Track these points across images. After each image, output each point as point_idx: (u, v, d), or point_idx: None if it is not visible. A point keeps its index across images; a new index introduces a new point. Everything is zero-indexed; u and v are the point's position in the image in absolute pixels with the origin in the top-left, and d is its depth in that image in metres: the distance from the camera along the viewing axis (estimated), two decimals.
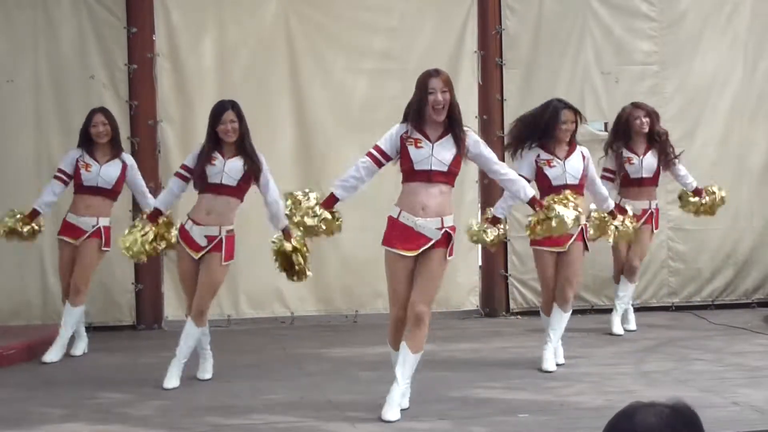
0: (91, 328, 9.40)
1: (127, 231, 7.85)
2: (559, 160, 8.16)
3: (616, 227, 8.56)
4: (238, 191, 7.74)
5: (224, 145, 7.74)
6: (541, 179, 8.19)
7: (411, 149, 6.66)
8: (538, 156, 8.18)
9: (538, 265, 8.35)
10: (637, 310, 10.12)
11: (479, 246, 10.81)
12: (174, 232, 7.91)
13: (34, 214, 8.77)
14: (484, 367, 8.30)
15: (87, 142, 8.88)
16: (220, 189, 7.68)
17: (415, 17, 10.73)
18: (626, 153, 9.52)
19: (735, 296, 11.20)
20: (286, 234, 7.72)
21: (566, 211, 6.98)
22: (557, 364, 8.16)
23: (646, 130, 9.51)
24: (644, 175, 9.52)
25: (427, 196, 6.63)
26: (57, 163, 9.99)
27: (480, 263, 10.94)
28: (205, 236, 7.67)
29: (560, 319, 8.21)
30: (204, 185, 7.71)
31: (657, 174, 9.59)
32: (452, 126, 6.71)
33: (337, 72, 10.65)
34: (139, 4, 10.31)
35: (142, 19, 10.32)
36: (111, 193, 8.88)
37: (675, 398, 2.53)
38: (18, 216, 8.72)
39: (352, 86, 10.68)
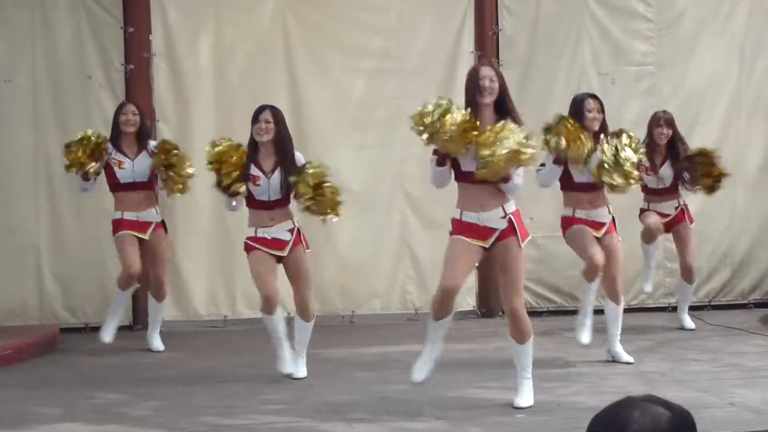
0: (88, 328, 9.40)
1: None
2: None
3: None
4: (286, 201, 7.85)
5: (261, 149, 7.79)
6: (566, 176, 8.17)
7: None
8: None
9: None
10: (633, 310, 10.12)
11: None
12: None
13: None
14: (481, 367, 8.30)
15: (115, 134, 8.98)
16: (270, 204, 7.79)
17: (413, 17, 10.73)
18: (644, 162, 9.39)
19: (732, 297, 11.20)
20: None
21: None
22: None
23: (664, 141, 9.44)
24: (660, 186, 9.44)
25: (481, 194, 6.69)
26: (55, 163, 10.00)
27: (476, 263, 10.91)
28: (287, 230, 7.80)
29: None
30: (254, 203, 7.84)
31: (676, 184, 9.48)
32: (502, 116, 6.73)
33: (335, 72, 10.64)
34: (136, 4, 10.30)
35: (139, 19, 10.31)
36: (149, 185, 9.01)
37: (677, 404, 2.45)
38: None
39: (350, 86, 10.67)
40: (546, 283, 10.70)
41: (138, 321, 10.33)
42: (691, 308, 10.93)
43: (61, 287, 10.16)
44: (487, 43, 10.78)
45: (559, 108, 10.61)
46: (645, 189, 9.49)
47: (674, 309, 10.82)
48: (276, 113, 7.89)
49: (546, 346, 8.72)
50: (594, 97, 8.38)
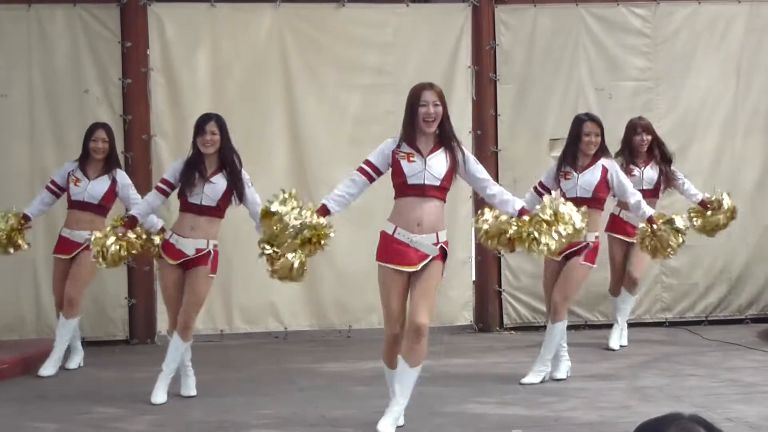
0: (84, 343, 9.38)
1: (99, 235, 7.72)
2: (574, 173, 8.19)
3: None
4: (218, 211, 7.72)
5: (205, 158, 7.73)
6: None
7: (404, 163, 6.62)
8: (561, 167, 8.30)
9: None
10: (630, 325, 10.12)
11: (473, 261, 10.82)
12: (156, 240, 7.89)
13: (25, 218, 8.81)
14: (478, 382, 8.30)
15: (84, 155, 8.92)
16: (201, 209, 7.67)
17: (409, 33, 10.75)
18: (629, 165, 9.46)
19: (728, 312, 11.21)
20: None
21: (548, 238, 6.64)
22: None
23: (645, 148, 9.50)
24: (644, 187, 9.41)
25: (422, 211, 6.57)
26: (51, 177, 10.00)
27: (473, 278, 10.93)
28: (195, 248, 7.66)
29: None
30: (185, 205, 7.72)
31: (657, 187, 9.53)
32: (444, 140, 6.69)
33: (331, 87, 10.66)
34: (133, 19, 10.33)
35: (136, 34, 10.33)
36: (98, 209, 8.85)
37: (719, 428, 2.42)
38: (9, 220, 8.71)
39: (346, 101, 10.69)
40: (541, 297, 10.67)
41: (134, 336, 10.33)
42: (689, 323, 10.96)
43: None
44: (484, 58, 10.80)
45: (555, 122, 10.70)
46: None
47: (671, 324, 10.84)
48: (222, 123, 7.77)
49: None
50: (594, 120, 8.34)
